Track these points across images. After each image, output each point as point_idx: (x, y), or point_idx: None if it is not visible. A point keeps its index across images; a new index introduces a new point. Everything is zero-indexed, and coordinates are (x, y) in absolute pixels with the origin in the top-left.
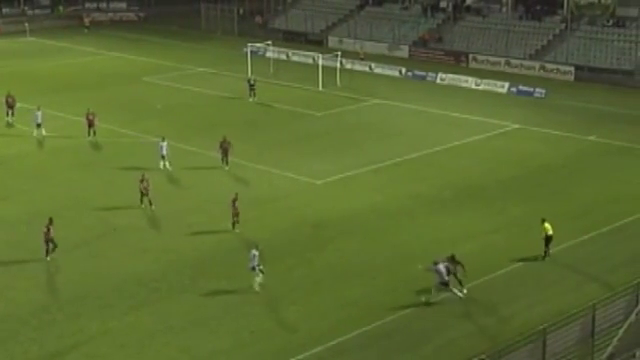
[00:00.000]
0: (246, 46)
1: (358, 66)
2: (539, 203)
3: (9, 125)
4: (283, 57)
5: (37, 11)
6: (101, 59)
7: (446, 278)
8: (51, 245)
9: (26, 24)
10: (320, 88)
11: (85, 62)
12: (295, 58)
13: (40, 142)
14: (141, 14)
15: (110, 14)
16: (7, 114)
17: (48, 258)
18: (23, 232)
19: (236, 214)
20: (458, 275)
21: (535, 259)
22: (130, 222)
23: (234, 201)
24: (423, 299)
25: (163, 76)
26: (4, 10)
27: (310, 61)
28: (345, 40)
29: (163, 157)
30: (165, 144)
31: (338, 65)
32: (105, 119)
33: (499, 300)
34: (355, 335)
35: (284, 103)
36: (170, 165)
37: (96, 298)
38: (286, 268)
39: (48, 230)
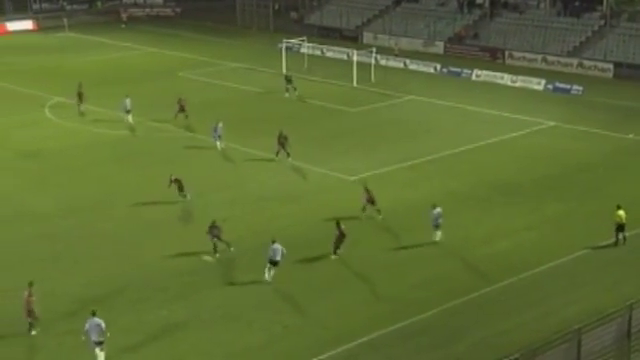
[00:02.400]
0: (281, 42)
1: (393, 62)
2: (574, 201)
3: (81, 114)
4: (318, 53)
5: (75, 6)
6: (137, 54)
7: (278, 258)
8: (219, 243)
9: (65, 19)
10: (354, 84)
11: (122, 57)
12: (330, 54)
13: (132, 128)
14: (177, 9)
15: (147, 9)
16: (78, 105)
17: (217, 255)
18: (59, 225)
19: (371, 201)
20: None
21: (566, 257)
22: (164, 216)
23: (367, 190)
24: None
25: (198, 71)
26: (43, 5)
27: (345, 57)
28: (380, 36)
29: (219, 137)
30: (221, 125)
31: (373, 61)
32: (142, 113)
33: (533, 298)
34: (388, 332)
35: (318, 99)
36: (224, 144)
37: (130, 291)
38: (318, 264)
39: (216, 228)
